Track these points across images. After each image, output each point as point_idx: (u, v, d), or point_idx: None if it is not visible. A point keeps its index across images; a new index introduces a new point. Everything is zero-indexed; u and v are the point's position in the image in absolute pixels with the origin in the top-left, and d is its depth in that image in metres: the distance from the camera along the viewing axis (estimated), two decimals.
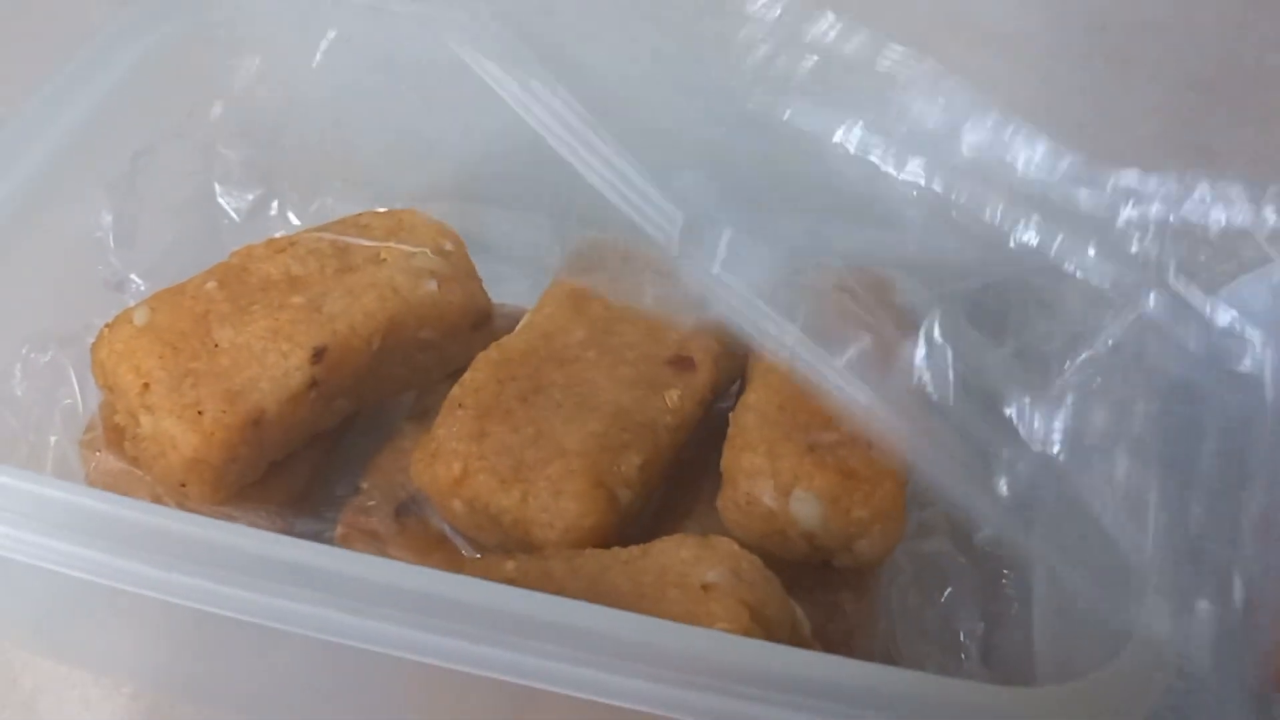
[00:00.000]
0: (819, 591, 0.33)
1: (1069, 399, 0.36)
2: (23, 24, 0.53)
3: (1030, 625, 0.33)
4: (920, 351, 0.37)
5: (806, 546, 0.33)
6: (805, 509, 0.32)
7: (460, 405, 0.35)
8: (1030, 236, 0.38)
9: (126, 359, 0.35)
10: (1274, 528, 0.36)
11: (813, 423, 0.34)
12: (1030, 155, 0.39)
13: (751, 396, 0.35)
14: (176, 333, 0.35)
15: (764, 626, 0.29)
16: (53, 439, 0.39)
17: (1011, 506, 0.34)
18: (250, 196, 0.42)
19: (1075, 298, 0.39)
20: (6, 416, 0.39)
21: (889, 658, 0.32)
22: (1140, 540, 0.33)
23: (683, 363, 0.37)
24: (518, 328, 0.38)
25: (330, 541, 0.36)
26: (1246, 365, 0.38)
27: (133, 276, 0.41)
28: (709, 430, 0.36)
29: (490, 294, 0.40)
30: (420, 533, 0.35)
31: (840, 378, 0.33)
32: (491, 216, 0.41)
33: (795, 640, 0.30)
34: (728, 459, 0.34)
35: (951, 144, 0.39)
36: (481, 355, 0.36)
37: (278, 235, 0.39)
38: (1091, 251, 0.38)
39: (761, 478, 0.32)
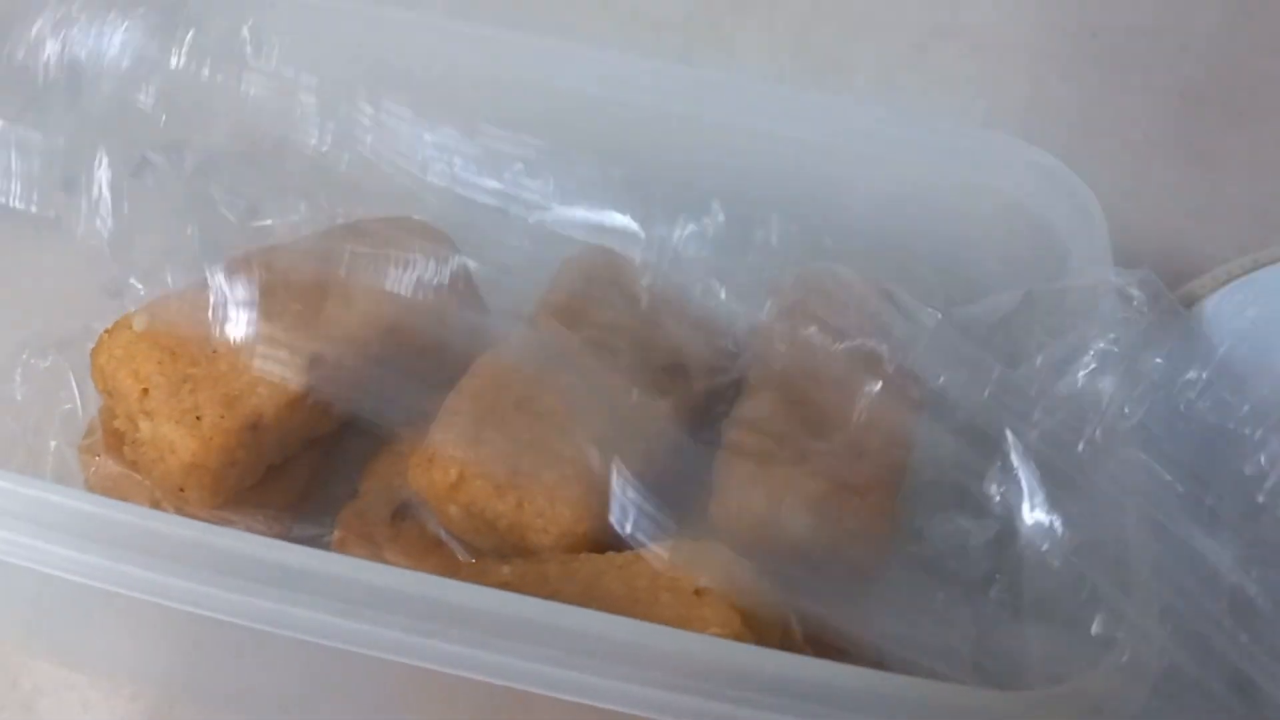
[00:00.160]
0: (811, 596, 0.34)
1: (1062, 406, 0.37)
2: (12, 37, 0.53)
3: (1021, 629, 0.34)
4: (915, 358, 0.38)
5: (797, 554, 0.33)
6: (796, 518, 0.32)
7: (457, 411, 0.35)
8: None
9: (126, 364, 0.35)
10: (1261, 521, 0.37)
11: (804, 432, 0.34)
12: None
13: (744, 405, 0.35)
14: (175, 338, 0.36)
15: (756, 631, 0.30)
16: (52, 443, 0.39)
17: (1003, 513, 0.35)
18: (249, 202, 0.43)
19: (1069, 308, 0.40)
20: (6, 420, 0.39)
21: (881, 662, 0.32)
22: (1129, 542, 0.33)
23: (676, 370, 0.38)
24: (513, 334, 0.38)
25: (327, 545, 0.36)
26: (1234, 371, 0.39)
27: (132, 281, 0.41)
28: (702, 438, 0.37)
29: (487, 300, 0.40)
30: (416, 537, 0.36)
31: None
32: (489, 223, 0.41)
33: (787, 645, 0.31)
34: (720, 466, 0.34)
35: None
36: (478, 361, 0.37)
37: (276, 241, 0.39)
38: (1080, 263, 0.39)
39: (753, 486, 0.33)
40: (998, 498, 0.35)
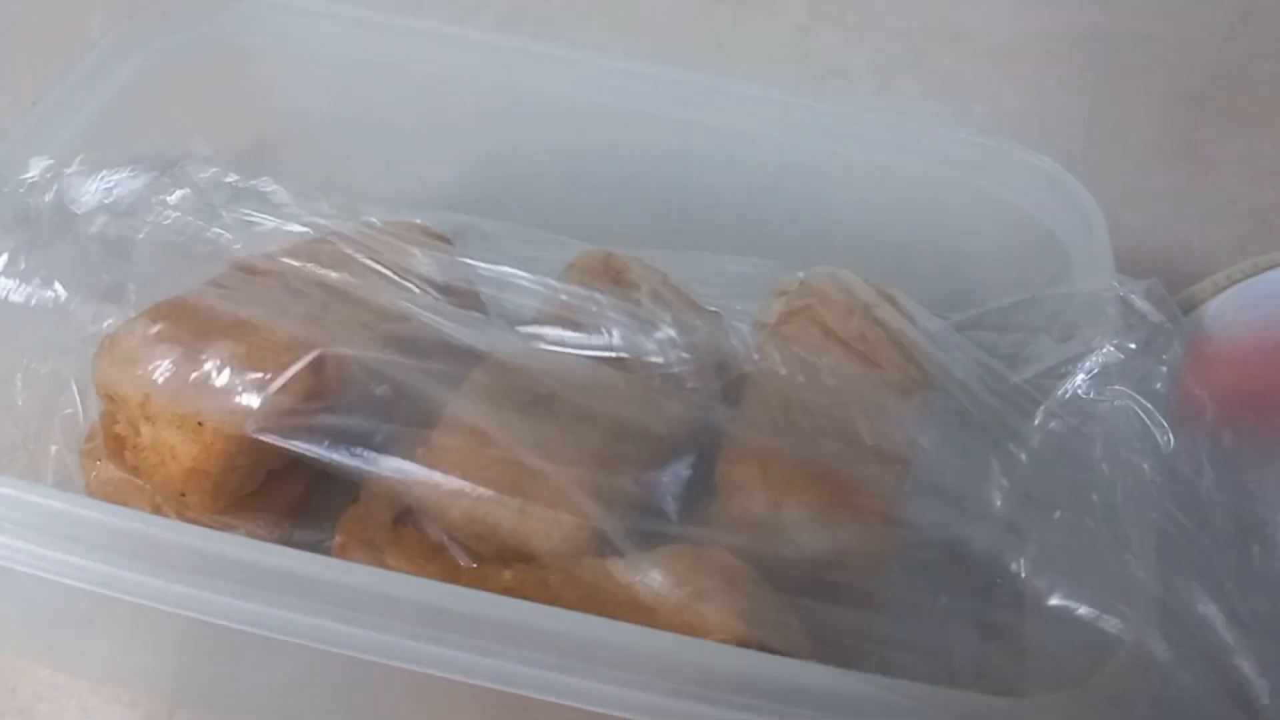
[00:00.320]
0: (812, 602, 0.34)
1: (1064, 410, 0.37)
2: (23, 35, 0.53)
3: (1023, 634, 0.34)
4: (917, 362, 0.38)
5: (798, 558, 0.33)
6: (797, 522, 0.32)
7: (459, 416, 0.35)
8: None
9: (127, 369, 0.35)
10: (1265, 532, 0.37)
11: (805, 436, 0.34)
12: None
13: (745, 410, 0.35)
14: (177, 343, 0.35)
15: (757, 637, 0.30)
16: (53, 448, 0.39)
17: (1005, 517, 0.35)
18: (250, 207, 0.43)
19: (1072, 312, 0.40)
20: (7, 425, 0.39)
21: (883, 668, 0.32)
22: (1131, 547, 0.33)
23: (678, 374, 0.38)
24: (516, 338, 0.38)
25: (328, 550, 0.36)
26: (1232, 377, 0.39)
27: (131, 286, 0.41)
28: (704, 441, 0.36)
29: (488, 304, 0.40)
30: (418, 542, 0.36)
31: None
32: (490, 227, 0.41)
33: (788, 650, 0.30)
34: (721, 470, 0.34)
35: None
36: (480, 366, 0.37)
37: (276, 247, 0.39)
38: (1082, 268, 0.39)
39: (754, 489, 0.33)
40: (999, 502, 0.35)
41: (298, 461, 0.37)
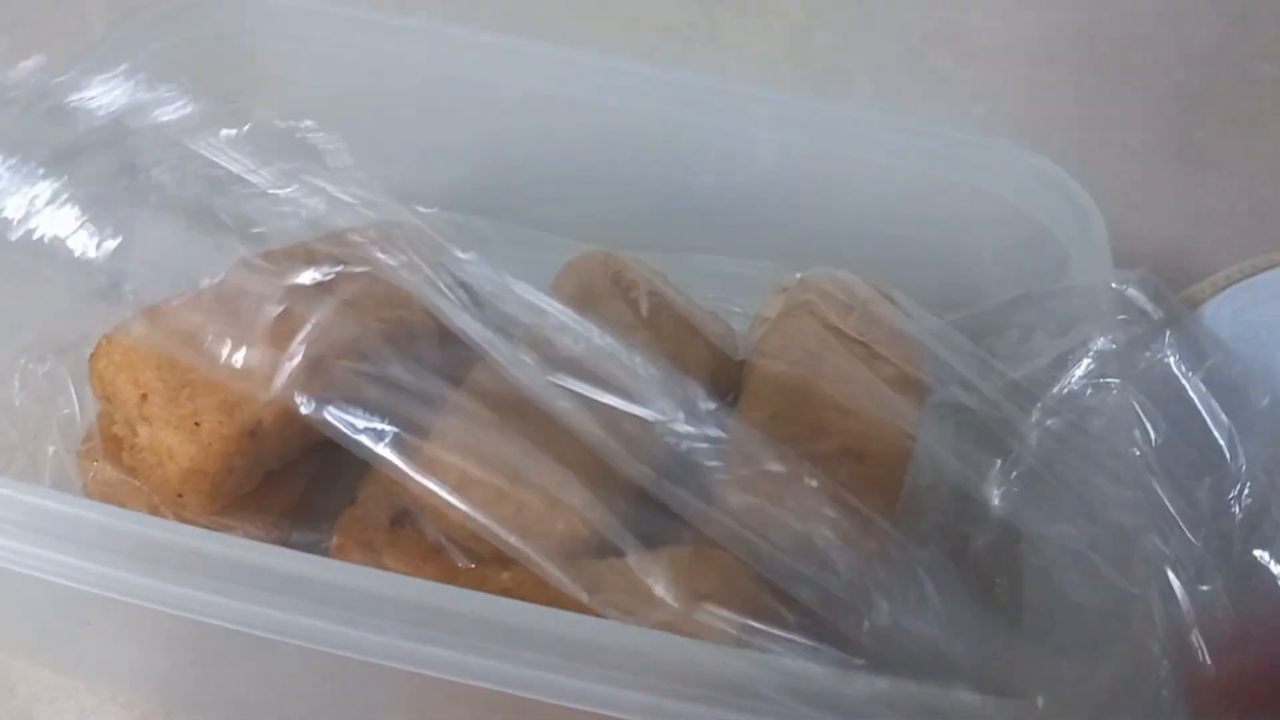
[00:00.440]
0: (811, 602, 0.34)
1: (1062, 407, 0.37)
2: (22, 34, 0.53)
3: (1023, 633, 0.34)
4: (915, 361, 0.38)
5: (797, 558, 0.33)
6: (796, 521, 0.32)
7: (456, 416, 0.35)
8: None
9: (125, 370, 0.35)
10: (1260, 527, 0.37)
11: (804, 434, 0.34)
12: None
13: (744, 407, 0.35)
14: (174, 344, 0.35)
15: (756, 635, 0.30)
16: (50, 449, 0.39)
17: (1003, 514, 0.35)
18: (246, 207, 0.43)
19: (1069, 309, 0.40)
20: (4, 426, 0.39)
21: (881, 668, 0.32)
22: (1129, 545, 0.33)
23: (677, 373, 0.37)
24: (513, 338, 0.38)
25: (326, 551, 0.36)
26: (1231, 376, 0.39)
27: (127, 287, 0.41)
28: (703, 440, 0.36)
29: (485, 305, 0.40)
30: (415, 543, 0.36)
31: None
32: (486, 229, 0.41)
33: (786, 651, 0.30)
34: (720, 469, 0.34)
35: None
36: (477, 367, 0.36)
37: (274, 248, 0.39)
38: (1080, 268, 0.39)
39: (753, 489, 0.33)
40: (998, 500, 0.35)
41: (296, 463, 0.37)
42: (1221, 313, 0.44)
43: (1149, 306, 0.38)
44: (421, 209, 0.40)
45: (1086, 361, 0.36)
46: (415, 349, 0.37)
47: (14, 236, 0.40)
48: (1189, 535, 0.33)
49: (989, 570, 0.35)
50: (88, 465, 0.37)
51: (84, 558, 0.30)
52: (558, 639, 0.29)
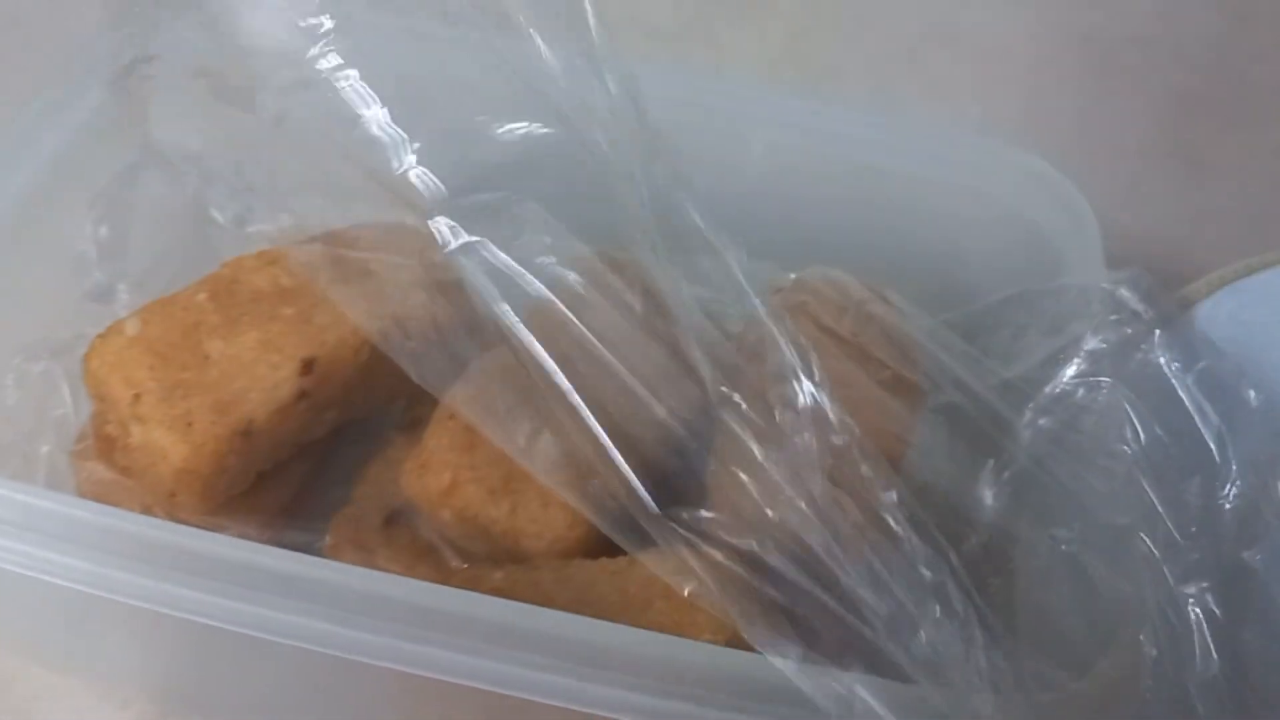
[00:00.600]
0: (803, 601, 0.34)
1: (1055, 407, 0.37)
2: (12, 39, 0.53)
3: (1016, 633, 0.34)
4: (909, 361, 0.38)
5: (792, 558, 0.33)
6: (790, 521, 0.32)
7: (450, 416, 0.35)
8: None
9: (118, 370, 0.35)
10: (1250, 527, 0.37)
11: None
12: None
13: (740, 408, 0.35)
14: (167, 344, 0.36)
15: (754, 635, 0.30)
16: (44, 448, 0.39)
17: (997, 514, 0.35)
18: (241, 207, 0.43)
19: (1063, 309, 0.40)
20: None
21: (875, 669, 0.32)
22: (1122, 544, 0.33)
23: (672, 372, 0.38)
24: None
25: (319, 551, 0.36)
26: (1224, 376, 0.39)
27: (121, 287, 0.41)
28: (697, 440, 0.36)
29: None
30: (409, 543, 0.36)
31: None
32: (483, 228, 0.41)
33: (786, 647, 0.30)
34: (714, 469, 0.34)
35: None
36: (471, 366, 0.36)
37: (268, 247, 0.39)
38: (1074, 268, 0.39)
39: (747, 489, 0.33)
40: (991, 500, 0.35)
41: (289, 462, 0.37)
42: (1216, 313, 0.44)
43: (1141, 306, 0.38)
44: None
45: (1078, 361, 0.36)
46: (412, 346, 0.37)
47: (10, 236, 0.40)
48: (1178, 535, 0.33)
49: (982, 570, 0.35)
50: (82, 465, 0.37)
51: (77, 557, 0.30)
52: (551, 639, 0.29)
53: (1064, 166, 0.45)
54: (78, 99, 0.42)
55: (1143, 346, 0.38)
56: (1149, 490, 0.34)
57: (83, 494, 0.37)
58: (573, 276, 0.36)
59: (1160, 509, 0.34)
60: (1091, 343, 0.37)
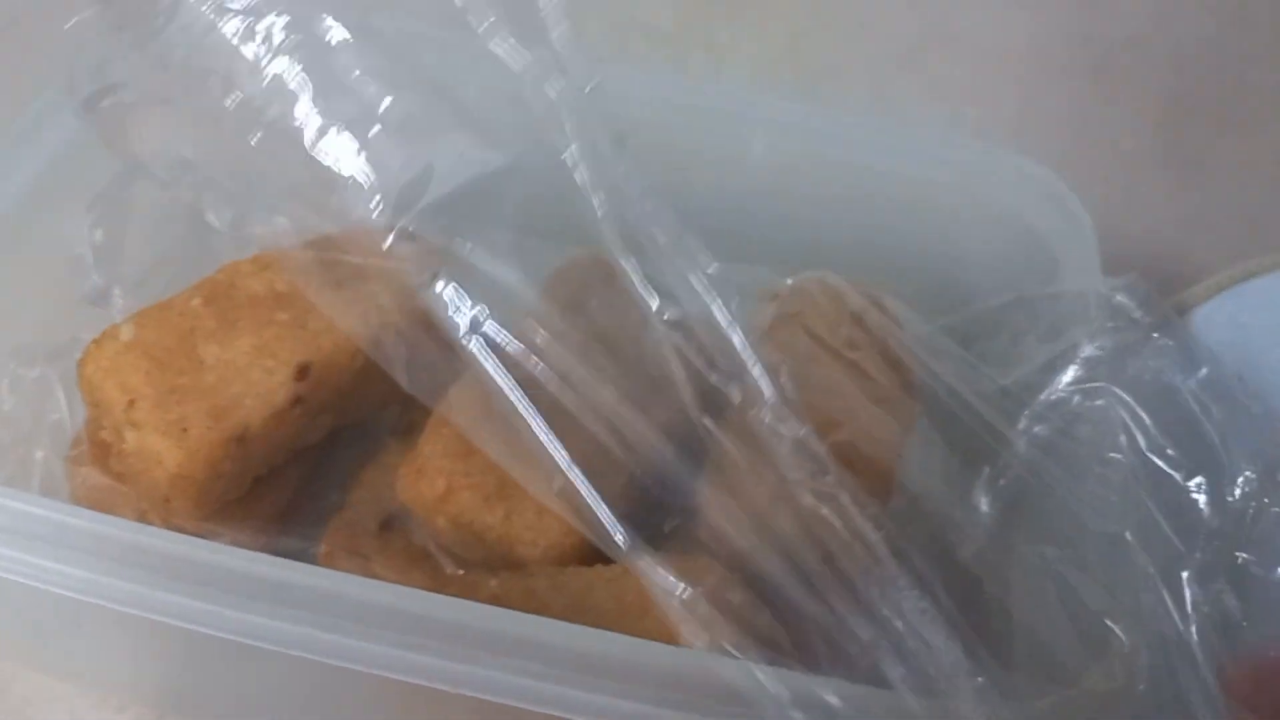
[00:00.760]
0: (797, 609, 0.34)
1: (1051, 413, 0.37)
2: (10, 40, 0.53)
3: (1010, 639, 0.34)
4: (905, 366, 0.38)
5: (786, 566, 0.33)
6: (784, 528, 0.32)
7: (445, 422, 0.35)
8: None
9: (112, 375, 0.35)
10: (1250, 534, 0.37)
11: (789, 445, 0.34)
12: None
13: (734, 414, 0.35)
14: (162, 349, 0.35)
15: (743, 645, 0.30)
16: (39, 454, 0.39)
17: (992, 522, 0.35)
18: (237, 211, 0.42)
19: (1059, 314, 0.40)
20: None
21: (869, 675, 0.32)
22: (1116, 551, 0.33)
23: (667, 379, 0.37)
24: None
25: (314, 556, 0.36)
26: (1223, 381, 0.39)
27: (117, 291, 0.41)
28: (692, 447, 0.36)
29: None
30: (404, 549, 0.36)
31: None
32: (477, 234, 0.41)
33: (773, 659, 0.30)
34: (708, 477, 0.34)
35: None
36: (467, 373, 0.36)
37: (263, 252, 0.39)
38: (1072, 274, 0.38)
39: (742, 496, 0.33)
40: (986, 508, 0.35)
41: (284, 468, 0.37)
42: (1215, 317, 0.44)
43: (1138, 312, 0.38)
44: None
45: (1075, 367, 0.36)
46: (403, 355, 0.37)
47: (5, 240, 0.40)
48: (1177, 542, 0.33)
49: (977, 578, 0.35)
50: (76, 470, 0.37)
51: (71, 564, 0.30)
52: (545, 647, 0.29)
53: (1061, 168, 0.45)
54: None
55: (1140, 353, 0.37)
56: (1145, 498, 0.34)
57: (77, 499, 0.37)
58: (537, 305, 0.36)
59: (1157, 516, 0.34)
60: (1089, 349, 0.37)
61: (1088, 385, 0.36)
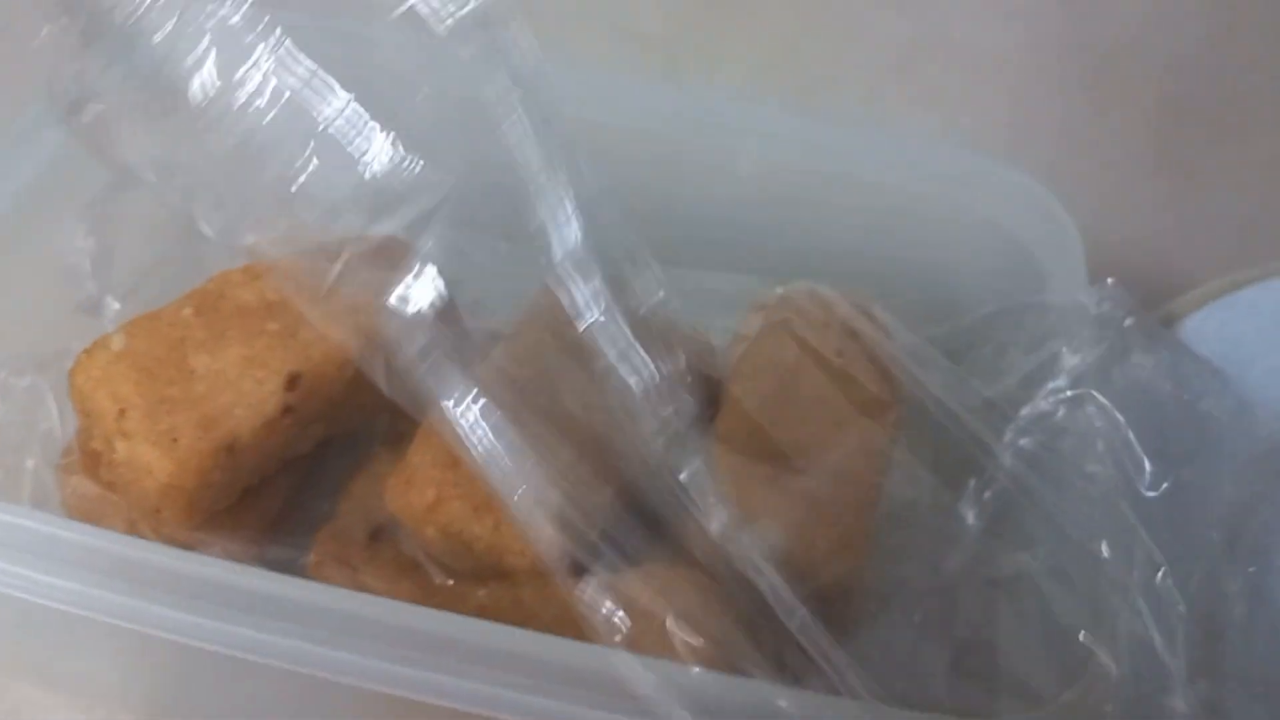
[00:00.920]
0: (785, 622, 0.34)
1: (1037, 424, 0.37)
2: (3, 48, 0.53)
3: (995, 652, 0.34)
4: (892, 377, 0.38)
5: (772, 575, 0.33)
6: (769, 538, 0.32)
7: (435, 432, 0.35)
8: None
9: (103, 384, 0.35)
10: (1234, 546, 0.37)
11: (779, 451, 0.34)
12: None
13: (720, 425, 0.35)
14: (153, 359, 0.36)
15: (729, 659, 0.30)
16: (30, 463, 0.39)
17: (976, 535, 0.35)
18: (228, 219, 0.43)
19: (1045, 324, 0.40)
20: None
21: (853, 690, 0.32)
22: (1101, 563, 0.33)
23: (658, 388, 0.38)
24: (493, 354, 0.38)
25: (303, 566, 0.36)
26: (1211, 391, 0.39)
27: (110, 299, 0.41)
28: (677, 460, 0.36)
29: (467, 321, 0.40)
30: (393, 558, 0.36)
31: None
32: (469, 243, 0.41)
33: (757, 673, 0.31)
34: (694, 490, 0.34)
35: None
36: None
37: (254, 261, 0.39)
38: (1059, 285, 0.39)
39: (727, 509, 0.33)
40: (971, 520, 0.35)
41: (274, 478, 0.37)
42: (1204, 328, 0.45)
43: (1124, 323, 0.38)
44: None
45: (1060, 378, 0.36)
46: (398, 362, 0.37)
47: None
48: (1158, 554, 0.34)
49: (961, 590, 0.35)
50: (67, 480, 0.37)
51: (63, 577, 0.30)
52: (531, 660, 0.29)
53: (1052, 177, 0.45)
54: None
55: (1125, 363, 0.38)
56: (1128, 510, 0.34)
57: (68, 509, 0.37)
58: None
59: (1139, 529, 0.34)
60: (1074, 359, 0.37)
61: (1072, 396, 0.37)
